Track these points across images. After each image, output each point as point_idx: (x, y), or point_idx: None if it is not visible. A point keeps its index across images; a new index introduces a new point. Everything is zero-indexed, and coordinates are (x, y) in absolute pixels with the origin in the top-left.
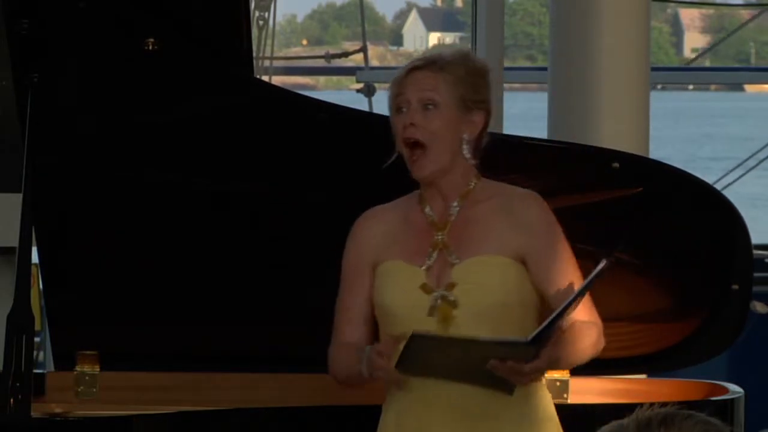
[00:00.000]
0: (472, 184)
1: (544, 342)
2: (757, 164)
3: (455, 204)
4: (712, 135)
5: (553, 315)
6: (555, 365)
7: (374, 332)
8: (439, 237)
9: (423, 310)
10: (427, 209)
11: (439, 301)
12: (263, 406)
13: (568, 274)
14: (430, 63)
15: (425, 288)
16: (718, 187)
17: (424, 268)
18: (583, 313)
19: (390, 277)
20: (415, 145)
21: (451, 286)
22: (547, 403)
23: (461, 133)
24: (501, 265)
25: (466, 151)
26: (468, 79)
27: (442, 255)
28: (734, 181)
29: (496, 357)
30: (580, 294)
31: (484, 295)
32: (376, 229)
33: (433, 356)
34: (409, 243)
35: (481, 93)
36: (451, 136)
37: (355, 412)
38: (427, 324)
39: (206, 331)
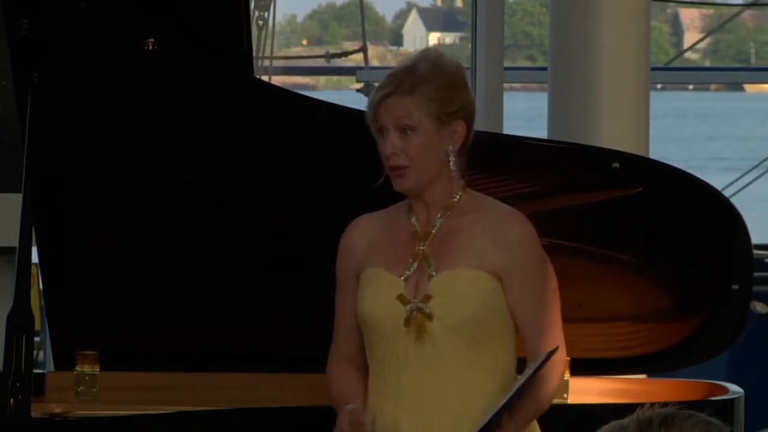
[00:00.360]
0: (457, 196)
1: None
2: None
3: (439, 216)
4: (712, 135)
5: (497, 409)
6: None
7: None
8: (421, 248)
9: (399, 320)
10: (413, 219)
11: (414, 313)
12: (263, 406)
13: (542, 300)
14: (399, 86)
15: (402, 299)
16: (734, 188)
17: (403, 278)
18: (552, 342)
19: (369, 285)
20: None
21: (427, 298)
22: None
23: (445, 146)
24: (477, 279)
25: (453, 164)
26: (440, 95)
27: (422, 266)
28: (752, 182)
29: None
30: (524, 386)
31: (458, 309)
32: (362, 238)
33: None
34: (392, 252)
35: (456, 103)
36: (433, 153)
37: None
38: (403, 334)
39: (206, 331)
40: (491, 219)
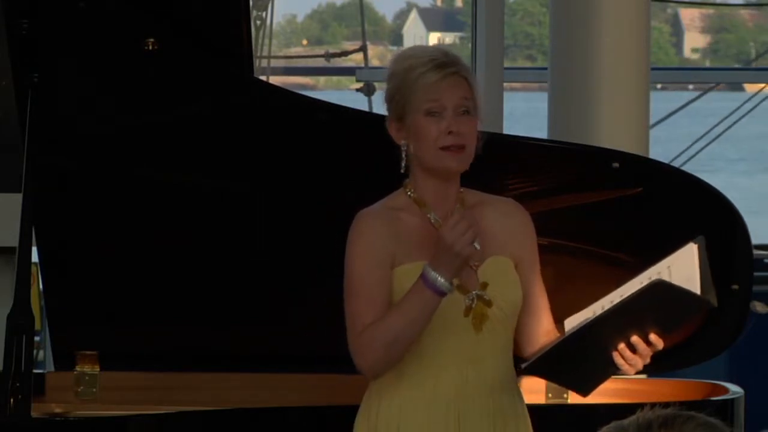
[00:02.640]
0: (462, 190)
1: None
2: None
3: (457, 208)
4: (712, 135)
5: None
6: None
7: None
8: None
9: (458, 309)
10: (432, 215)
11: (475, 301)
12: (263, 406)
13: (540, 280)
14: (455, 65)
15: (461, 288)
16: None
17: None
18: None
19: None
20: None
21: (485, 285)
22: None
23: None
24: (511, 265)
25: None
26: (476, 83)
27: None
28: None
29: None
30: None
31: (510, 293)
32: (386, 230)
33: (644, 314)
34: (423, 247)
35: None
36: (474, 141)
37: (355, 412)
38: (462, 324)
39: (206, 331)
40: (496, 209)
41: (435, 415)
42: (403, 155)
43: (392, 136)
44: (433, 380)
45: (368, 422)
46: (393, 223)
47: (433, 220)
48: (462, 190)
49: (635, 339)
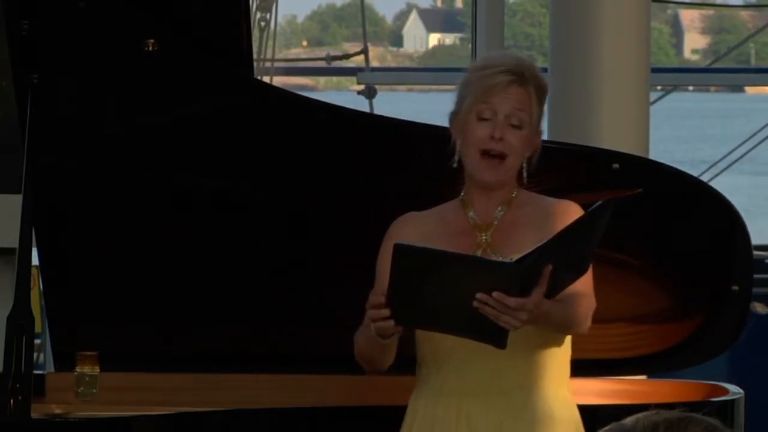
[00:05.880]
0: (515, 192)
1: (530, 272)
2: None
3: (500, 209)
4: (712, 136)
5: (541, 244)
6: (544, 315)
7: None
8: (484, 237)
9: None
10: (471, 213)
11: None
12: (263, 406)
13: (588, 281)
14: (520, 75)
15: None
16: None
17: None
18: (582, 286)
19: None
20: (499, 158)
21: None
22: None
23: (526, 152)
24: None
25: (525, 172)
26: (542, 98)
27: (486, 253)
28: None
29: (481, 284)
30: (572, 233)
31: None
32: (414, 230)
33: (419, 279)
34: (452, 243)
35: (542, 113)
36: (522, 154)
37: (355, 413)
38: None
39: (206, 331)
40: (546, 211)
41: (442, 409)
42: (457, 150)
43: (451, 130)
44: (442, 376)
45: (406, 417)
46: (428, 222)
47: (469, 218)
48: (516, 192)
49: (482, 296)
